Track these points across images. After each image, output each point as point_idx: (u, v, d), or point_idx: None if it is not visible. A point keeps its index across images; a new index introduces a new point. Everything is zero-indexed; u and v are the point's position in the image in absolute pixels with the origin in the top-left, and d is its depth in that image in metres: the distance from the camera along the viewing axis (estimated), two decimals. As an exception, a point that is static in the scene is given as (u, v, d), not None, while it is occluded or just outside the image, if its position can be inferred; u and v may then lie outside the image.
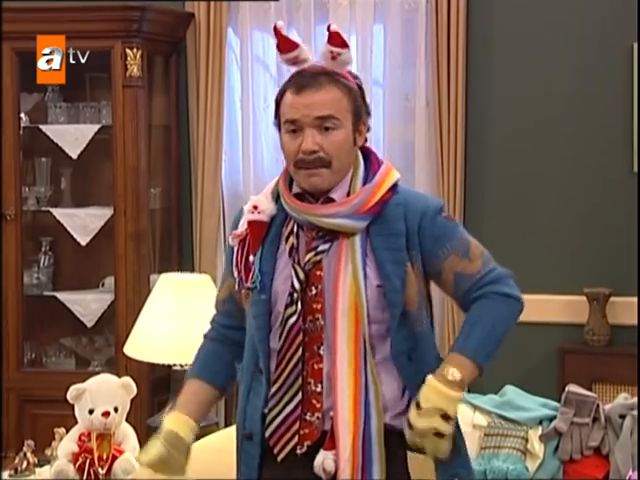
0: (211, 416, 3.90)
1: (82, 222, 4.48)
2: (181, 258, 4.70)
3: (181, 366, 3.63)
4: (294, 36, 4.79)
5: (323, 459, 2.14)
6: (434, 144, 4.40)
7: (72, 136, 4.45)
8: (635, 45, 4.21)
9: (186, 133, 4.67)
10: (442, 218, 2.21)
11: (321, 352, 2.16)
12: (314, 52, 4.76)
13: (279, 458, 2.17)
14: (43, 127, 4.49)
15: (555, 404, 3.19)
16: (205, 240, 4.58)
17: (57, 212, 4.51)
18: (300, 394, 2.16)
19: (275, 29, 2.19)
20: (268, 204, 2.23)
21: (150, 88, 4.54)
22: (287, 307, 2.17)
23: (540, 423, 3.15)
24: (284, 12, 4.55)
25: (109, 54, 4.34)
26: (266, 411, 2.18)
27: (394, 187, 2.24)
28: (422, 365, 2.17)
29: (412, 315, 2.17)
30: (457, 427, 2.18)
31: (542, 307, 4.36)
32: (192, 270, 4.48)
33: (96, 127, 4.45)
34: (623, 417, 3.08)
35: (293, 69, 2.22)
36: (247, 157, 4.63)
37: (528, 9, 4.40)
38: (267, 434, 2.17)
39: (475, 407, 3.22)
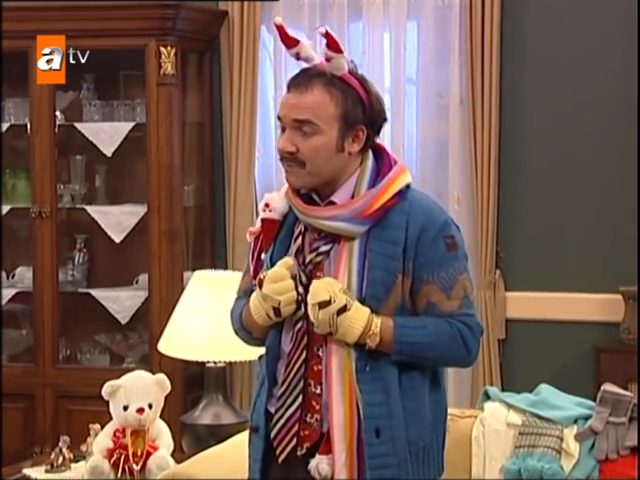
0: (245, 413, 3.91)
1: (116, 219, 4.50)
2: (214, 255, 4.71)
3: (215, 363, 3.64)
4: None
5: (317, 463, 2.16)
6: (468, 141, 4.38)
7: (107, 134, 4.47)
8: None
9: (219, 131, 4.68)
10: (443, 242, 2.16)
11: (320, 354, 2.17)
12: (347, 50, 4.77)
13: (280, 459, 2.19)
14: (78, 125, 4.52)
15: (590, 403, 3.16)
16: (238, 237, 4.59)
17: (92, 209, 4.54)
18: (301, 396, 2.17)
19: (276, 26, 2.18)
20: (280, 202, 2.24)
21: (184, 86, 4.55)
22: (295, 310, 2.19)
23: (575, 422, 3.13)
24: (317, 9, 4.55)
25: (143, 52, 4.35)
26: (272, 410, 2.20)
27: (402, 192, 2.18)
28: (378, 378, 2.15)
29: None
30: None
31: (577, 306, 4.34)
32: (225, 267, 4.49)
33: (130, 125, 4.47)
34: (659, 416, 3.05)
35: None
36: (280, 155, 4.63)
37: (563, 5, 4.37)
38: (272, 435, 2.20)
39: (509, 406, 3.20)
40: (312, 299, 2.12)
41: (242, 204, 4.59)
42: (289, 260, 2.19)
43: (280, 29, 2.17)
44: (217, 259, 4.67)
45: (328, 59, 2.15)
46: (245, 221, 4.60)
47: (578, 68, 4.35)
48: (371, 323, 2.11)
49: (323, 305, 2.10)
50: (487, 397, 3.28)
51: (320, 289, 2.12)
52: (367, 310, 2.13)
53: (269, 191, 5.05)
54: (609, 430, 3.05)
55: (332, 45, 2.14)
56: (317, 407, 2.17)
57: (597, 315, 4.31)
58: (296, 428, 2.18)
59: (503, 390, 3.76)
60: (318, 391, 2.16)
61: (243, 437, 3.21)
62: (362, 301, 2.14)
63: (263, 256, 2.24)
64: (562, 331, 4.37)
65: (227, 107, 4.62)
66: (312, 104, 2.14)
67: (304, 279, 2.18)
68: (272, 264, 2.21)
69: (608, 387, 3.13)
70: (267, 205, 2.24)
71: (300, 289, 2.17)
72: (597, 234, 4.35)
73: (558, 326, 4.38)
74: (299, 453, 2.18)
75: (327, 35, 2.13)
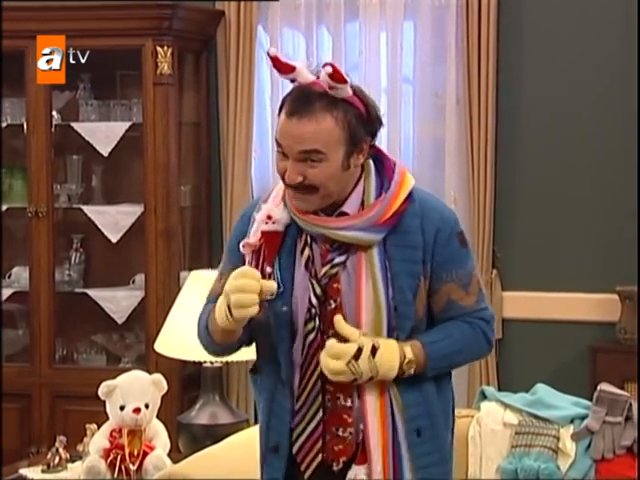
0: (241, 413, 3.91)
1: (113, 219, 4.50)
2: (211, 255, 4.71)
3: (211, 363, 3.64)
4: (324, 34, 4.78)
5: (355, 474, 2.15)
6: (464, 141, 4.39)
7: (103, 134, 4.47)
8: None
9: (216, 131, 4.68)
10: (457, 240, 2.19)
11: None
12: (343, 50, 4.75)
13: (306, 475, 2.17)
14: (74, 125, 4.51)
15: (587, 403, 3.17)
16: (235, 237, 4.59)
17: (88, 209, 4.53)
18: (321, 411, 2.14)
19: (270, 57, 2.11)
20: (282, 213, 2.18)
21: (180, 86, 4.55)
22: (306, 323, 2.16)
23: (572, 422, 3.13)
24: (314, 9, 4.55)
25: (140, 52, 4.35)
26: (292, 426, 2.17)
27: (410, 195, 2.17)
28: (413, 380, 2.15)
29: (417, 331, 2.17)
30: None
31: (574, 305, 4.34)
32: (222, 267, 4.48)
33: (127, 125, 4.47)
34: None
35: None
36: (277, 155, 4.63)
37: (559, 6, 4.37)
38: (294, 450, 2.17)
39: (506, 405, 3.21)
40: (343, 358, 2.07)
41: (239, 204, 4.59)
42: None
43: (275, 60, 2.10)
44: (214, 259, 4.66)
45: (332, 88, 2.08)
46: (242, 221, 4.60)
47: (575, 68, 4.35)
48: (404, 351, 2.12)
49: (357, 355, 2.07)
50: (484, 397, 3.28)
51: (343, 346, 2.08)
52: (394, 340, 2.13)
53: (265, 191, 5.08)
54: (605, 430, 3.06)
55: (338, 77, 2.07)
56: (349, 420, 2.14)
57: (593, 315, 4.32)
58: (320, 444, 2.15)
59: (499, 390, 3.76)
60: (349, 404, 2.14)
61: (239, 437, 3.22)
62: (394, 309, 2.13)
63: (268, 270, 2.16)
64: (558, 331, 4.37)
65: (224, 107, 4.62)
66: (317, 133, 2.08)
67: (319, 291, 2.15)
68: (281, 277, 2.16)
69: (604, 387, 3.13)
70: (269, 217, 2.18)
71: (314, 301, 2.15)
72: (593, 233, 4.36)
73: (554, 326, 4.38)
74: (335, 468, 2.16)
75: (335, 71, 2.07)
